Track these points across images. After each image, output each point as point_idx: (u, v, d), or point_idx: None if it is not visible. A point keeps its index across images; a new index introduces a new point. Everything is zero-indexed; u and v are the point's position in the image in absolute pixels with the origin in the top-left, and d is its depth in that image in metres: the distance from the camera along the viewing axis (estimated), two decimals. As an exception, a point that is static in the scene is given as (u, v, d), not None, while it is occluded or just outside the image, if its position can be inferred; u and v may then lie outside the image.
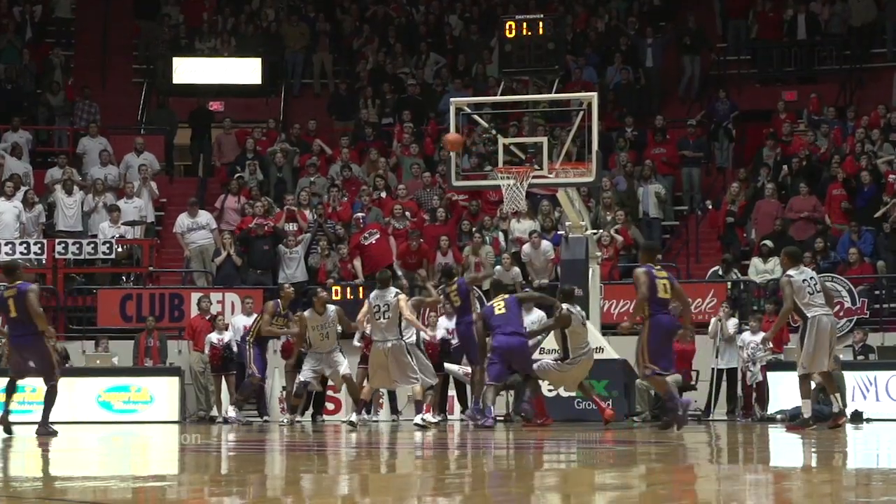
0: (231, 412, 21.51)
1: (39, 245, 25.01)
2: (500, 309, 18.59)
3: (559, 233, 23.16)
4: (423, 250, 24.68)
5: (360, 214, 25.34)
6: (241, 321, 22.58)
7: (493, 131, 22.01)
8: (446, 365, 21.36)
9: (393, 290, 18.13)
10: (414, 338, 19.36)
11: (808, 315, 16.41)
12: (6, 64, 30.66)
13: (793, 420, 18.41)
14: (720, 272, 24.20)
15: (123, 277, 26.00)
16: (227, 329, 22.78)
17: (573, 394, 19.60)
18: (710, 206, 26.62)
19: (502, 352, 18.47)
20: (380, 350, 17.92)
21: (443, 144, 21.84)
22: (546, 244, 24.15)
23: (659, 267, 16.74)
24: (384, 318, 17.78)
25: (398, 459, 12.52)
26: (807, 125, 28.06)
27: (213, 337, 22.70)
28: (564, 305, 18.62)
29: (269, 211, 25.88)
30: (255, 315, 22.15)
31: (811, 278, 16.66)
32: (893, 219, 24.53)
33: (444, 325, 21.50)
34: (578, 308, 18.88)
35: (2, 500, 7.48)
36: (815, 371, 16.72)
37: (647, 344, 16.18)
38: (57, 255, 24.93)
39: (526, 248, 24.43)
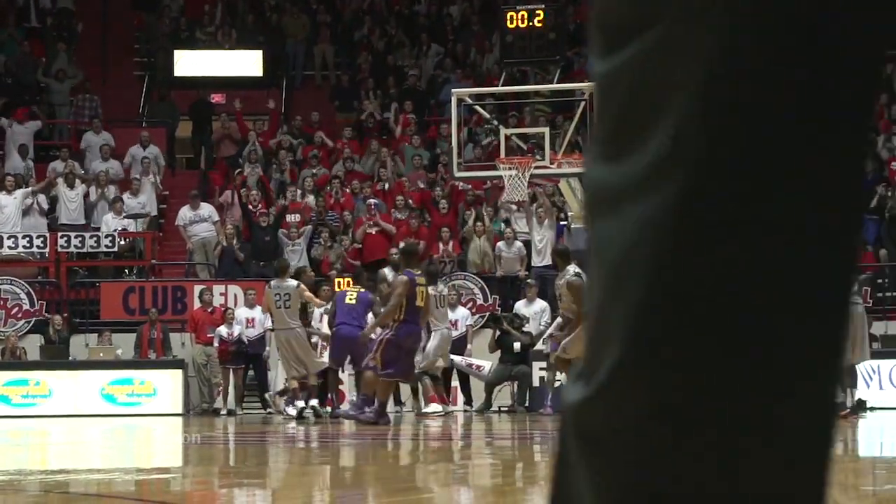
0: (290, 409, 20.28)
1: (42, 238, 25.03)
2: (351, 299, 18.11)
3: (562, 223, 23.16)
4: (423, 234, 24.74)
5: (372, 201, 25.38)
6: (243, 313, 22.56)
7: (495, 122, 22.01)
8: (452, 357, 21.34)
9: (292, 280, 18.35)
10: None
11: None
12: (7, 56, 30.65)
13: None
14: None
15: (126, 270, 26.00)
16: (235, 322, 22.60)
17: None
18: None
19: (343, 341, 18.03)
20: (282, 338, 18.21)
21: None
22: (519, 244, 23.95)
23: (419, 272, 16.45)
24: (285, 307, 18.02)
25: (418, 450, 12.51)
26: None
27: (223, 330, 22.54)
28: (571, 269, 17.62)
29: (271, 203, 25.92)
30: (258, 307, 22.16)
31: None
32: (892, 206, 24.50)
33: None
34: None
35: (6, 493, 7.49)
36: (852, 362, 16.62)
37: (386, 346, 15.90)
38: (60, 249, 24.93)
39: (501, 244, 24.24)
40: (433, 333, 20.23)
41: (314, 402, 18.95)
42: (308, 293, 18.57)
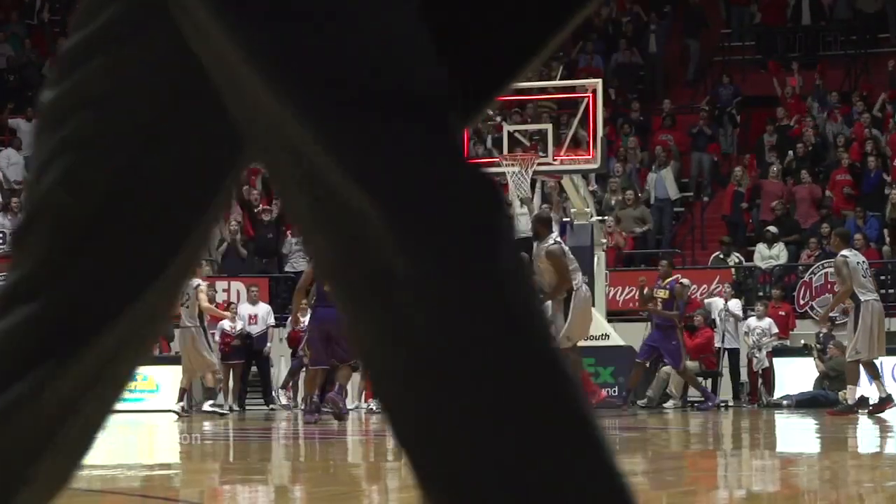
0: (282, 398, 21.79)
1: (44, 235, 25.05)
2: None
3: (565, 219, 23.14)
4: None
5: None
6: (246, 310, 22.52)
7: (498, 118, 22.01)
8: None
9: (195, 280, 18.55)
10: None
11: (862, 299, 16.14)
12: (11, 53, 30.66)
13: (799, 406, 18.37)
14: (721, 255, 24.19)
15: (129, 267, 26.00)
16: (238, 318, 22.51)
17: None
18: (709, 196, 26.55)
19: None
20: (185, 335, 18.62)
21: None
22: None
23: None
24: (186, 306, 18.34)
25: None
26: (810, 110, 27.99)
27: (226, 324, 22.42)
28: (552, 237, 16.90)
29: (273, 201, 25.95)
30: (261, 303, 22.17)
31: (863, 261, 16.50)
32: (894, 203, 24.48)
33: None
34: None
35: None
36: (871, 357, 16.57)
37: (309, 337, 16.31)
38: (62, 245, 24.93)
39: None
40: None
41: (209, 403, 19.41)
42: (203, 295, 18.81)
